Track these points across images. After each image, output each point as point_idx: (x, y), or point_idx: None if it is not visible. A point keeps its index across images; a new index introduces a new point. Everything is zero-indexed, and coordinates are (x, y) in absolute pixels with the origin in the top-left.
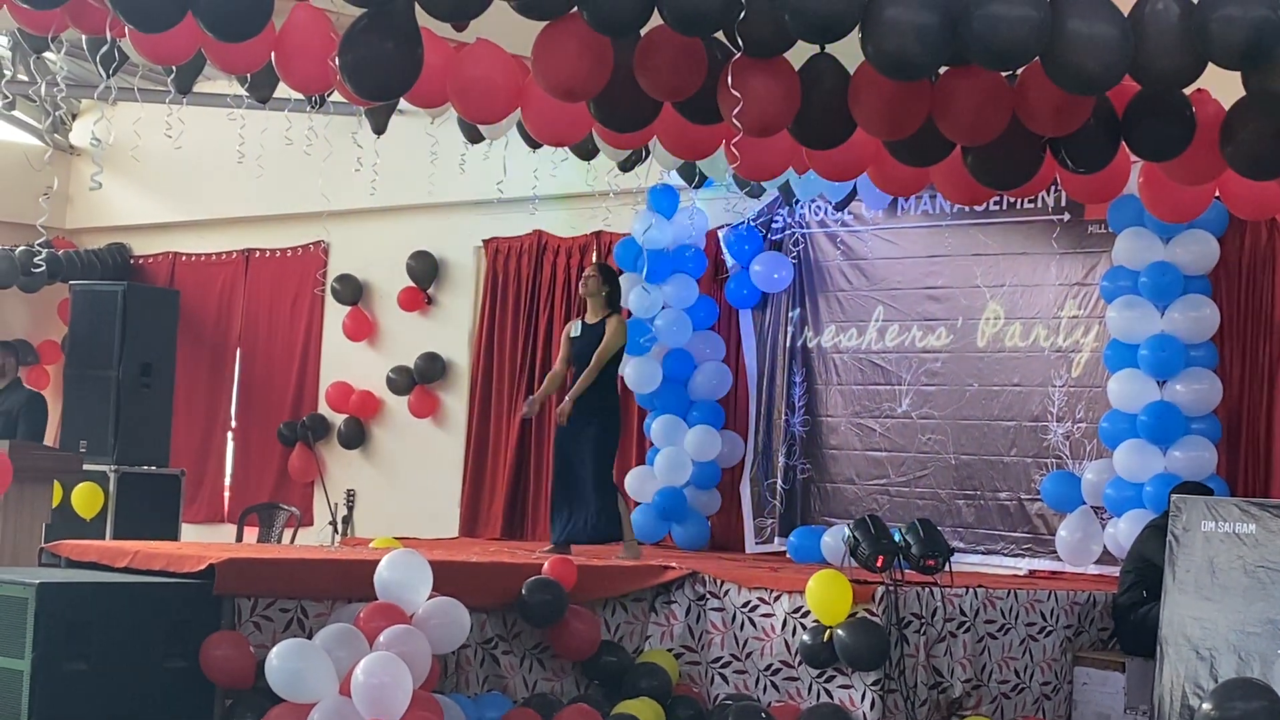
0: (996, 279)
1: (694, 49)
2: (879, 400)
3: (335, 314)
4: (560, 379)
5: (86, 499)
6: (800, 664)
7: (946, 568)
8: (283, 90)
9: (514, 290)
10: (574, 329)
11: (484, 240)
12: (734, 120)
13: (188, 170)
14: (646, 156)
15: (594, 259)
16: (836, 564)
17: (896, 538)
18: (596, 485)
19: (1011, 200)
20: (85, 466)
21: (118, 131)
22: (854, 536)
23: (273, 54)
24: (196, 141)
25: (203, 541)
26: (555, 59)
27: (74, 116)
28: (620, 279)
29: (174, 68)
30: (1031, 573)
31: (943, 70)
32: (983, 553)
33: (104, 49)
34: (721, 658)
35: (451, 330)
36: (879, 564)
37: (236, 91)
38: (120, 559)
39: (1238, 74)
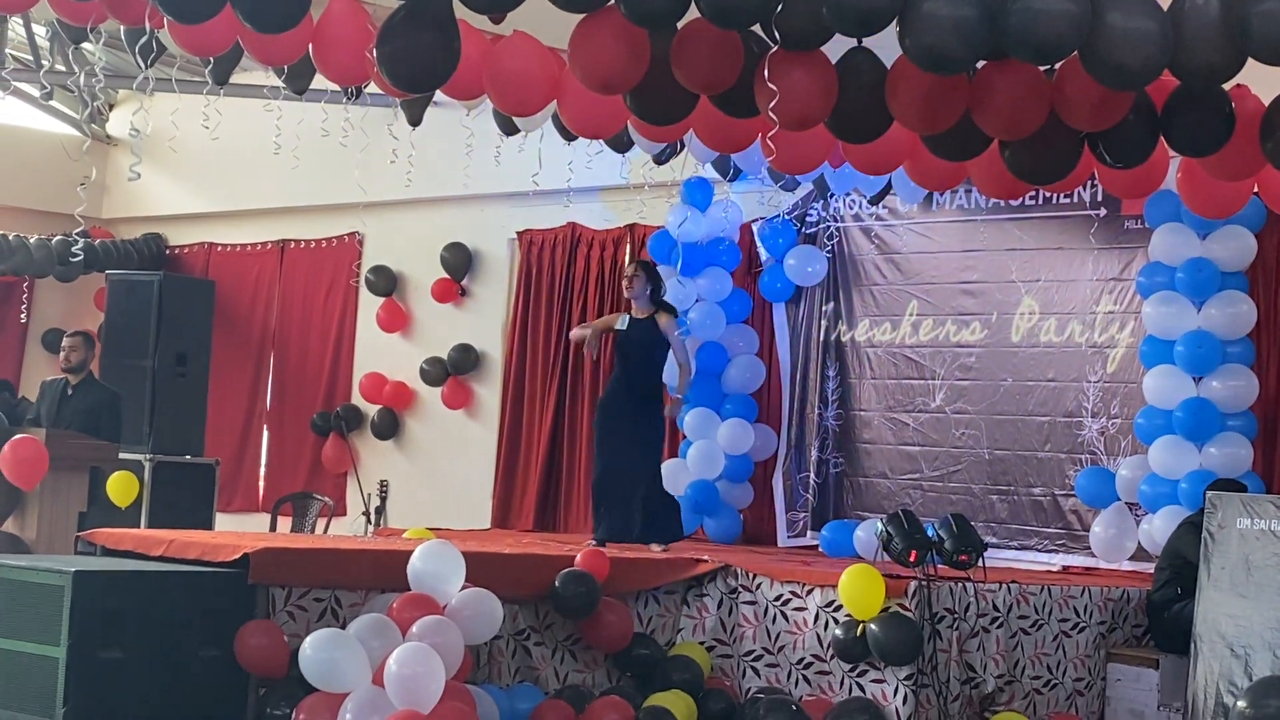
0: (1032, 274)
1: (731, 42)
2: (913, 395)
3: (369, 305)
4: (601, 330)
5: (122, 488)
6: (832, 658)
7: (980, 563)
8: (319, 82)
9: (547, 282)
10: (621, 321)
11: (518, 232)
12: (770, 114)
13: (224, 161)
14: (681, 149)
15: (627, 252)
16: (869, 558)
17: (930, 532)
18: (656, 481)
19: (1048, 195)
20: (121, 455)
21: (155, 122)
22: (887, 531)
23: (310, 46)
24: (233, 132)
25: (237, 531)
26: (592, 52)
27: (111, 107)
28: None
29: (211, 59)
30: (1065, 568)
31: (981, 64)
32: (1016, 548)
33: (142, 40)
34: (753, 651)
35: (485, 322)
36: (912, 559)
37: (273, 83)
38: (155, 547)
39: (1278, 70)
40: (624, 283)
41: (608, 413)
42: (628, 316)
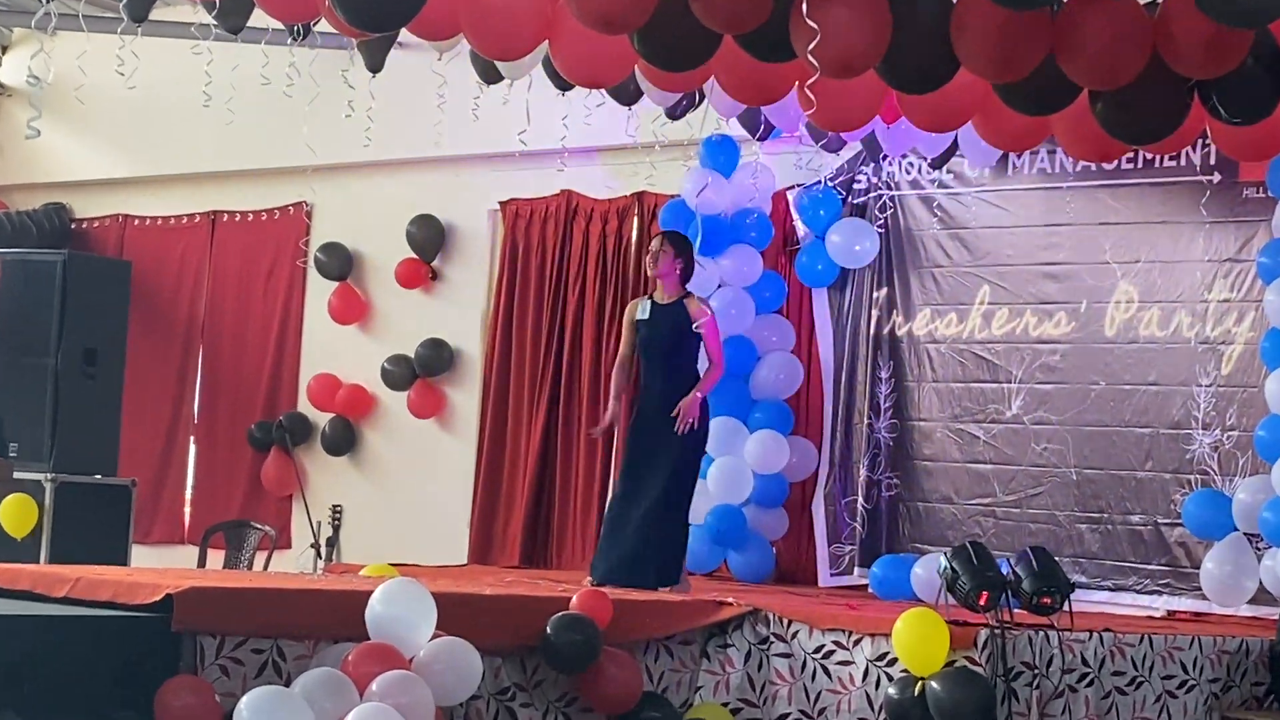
0: (1129, 253)
1: None
2: (983, 401)
3: (319, 291)
4: (628, 368)
5: (17, 514)
6: None
7: (1065, 607)
8: (258, 18)
9: (537, 263)
10: (640, 309)
11: (500, 202)
12: (809, 57)
13: (142, 116)
14: (700, 101)
15: (634, 226)
16: (930, 601)
17: (1004, 570)
18: (671, 511)
19: (1149, 157)
20: (16, 475)
21: (58, 68)
22: (952, 568)
23: None
24: (153, 81)
25: (158, 567)
26: None
27: (4, 50)
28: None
29: None
30: (1170, 614)
31: None
32: (1110, 589)
33: None
34: (788, 714)
35: (461, 312)
36: (983, 601)
37: (203, 20)
38: (58, 587)
39: None
40: (647, 259)
41: (637, 430)
42: (648, 302)
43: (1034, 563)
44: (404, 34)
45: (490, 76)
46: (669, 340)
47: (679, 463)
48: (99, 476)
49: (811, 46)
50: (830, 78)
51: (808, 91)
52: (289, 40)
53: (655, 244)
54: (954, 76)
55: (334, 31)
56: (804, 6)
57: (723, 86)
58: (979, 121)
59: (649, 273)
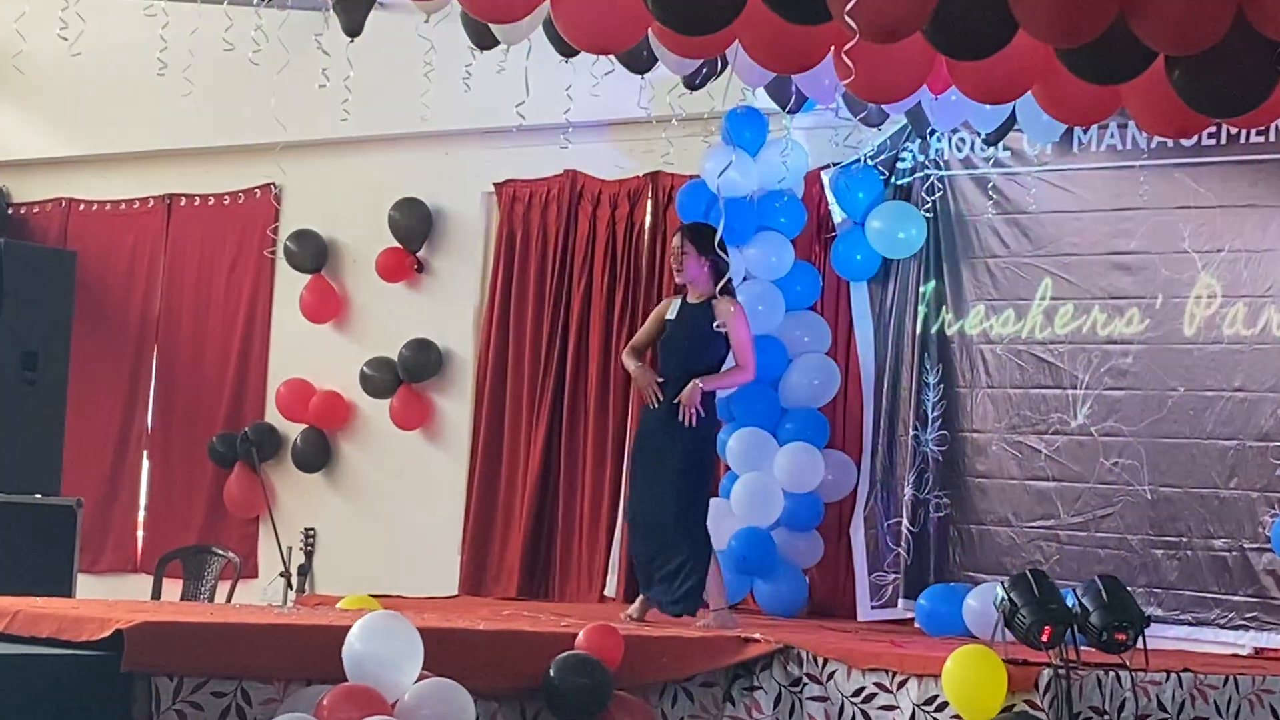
0: (1211, 242)
1: None
2: (1045, 409)
3: (290, 285)
4: (640, 356)
5: None
6: None
7: (1139, 644)
8: None
9: (537, 252)
10: (671, 308)
11: (496, 184)
12: (847, 19)
13: (88, 86)
14: (723, 70)
15: (648, 209)
16: (986, 638)
17: (1070, 602)
18: (681, 527)
19: (1234, 132)
20: None
21: None
22: (1010, 600)
23: None
24: (100, 47)
25: (107, 598)
26: None
27: None
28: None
29: None
30: (1258, 651)
31: None
32: (1190, 623)
33: None
34: None
35: (450, 308)
36: (1045, 637)
37: None
38: None
39: None
40: (670, 261)
41: (642, 434)
42: (679, 302)
43: (1103, 594)
44: None
45: (484, 42)
46: (686, 345)
47: (687, 471)
48: (39, 496)
49: (850, 7)
50: (871, 42)
51: (845, 58)
52: (255, 1)
53: (675, 242)
54: (1011, 40)
55: None
56: None
57: (748, 52)
58: (1040, 91)
59: (675, 279)
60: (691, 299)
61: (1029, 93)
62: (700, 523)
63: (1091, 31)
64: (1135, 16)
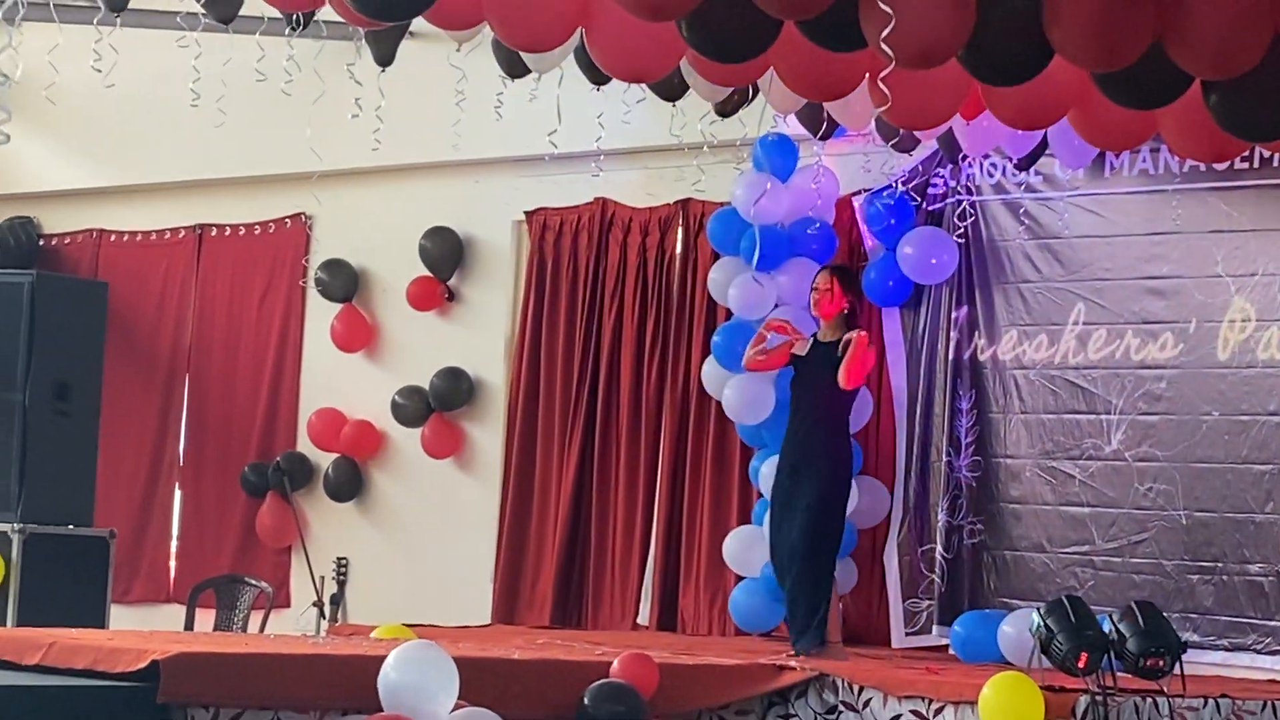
0: (1245, 265)
1: None
2: (1079, 435)
3: (321, 314)
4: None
5: None
6: None
7: (1176, 669)
8: (252, 6)
9: (568, 280)
10: (803, 345)
11: (526, 212)
12: (883, 46)
13: (119, 117)
14: (754, 96)
15: (678, 237)
16: (1021, 664)
17: (1106, 627)
18: (806, 560)
19: (1266, 155)
20: None
21: (26, 63)
22: (1046, 626)
23: None
24: (132, 78)
25: (141, 629)
26: None
27: None
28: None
29: None
30: None
31: None
32: (1227, 648)
33: None
34: None
35: (481, 337)
36: (1082, 664)
37: (190, 8)
38: (30, 653)
39: None
40: (812, 298)
41: (777, 481)
42: (813, 340)
43: (1140, 619)
44: (418, 22)
45: (515, 70)
46: (821, 383)
47: (819, 509)
48: (73, 527)
49: (885, 34)
50: (907, 69)
51: (881, 85)
52: (287, 30)
53: (821, 279)
54: (1047, 66)
55: (338, 20)
56: None
57: (783, 80)
58: (1075, 117)
59: (813, 312)
60: (824, 337)
61: (1065, 118)
62: (830, 563)
63: (1128, 57)
64: (1172, 41)
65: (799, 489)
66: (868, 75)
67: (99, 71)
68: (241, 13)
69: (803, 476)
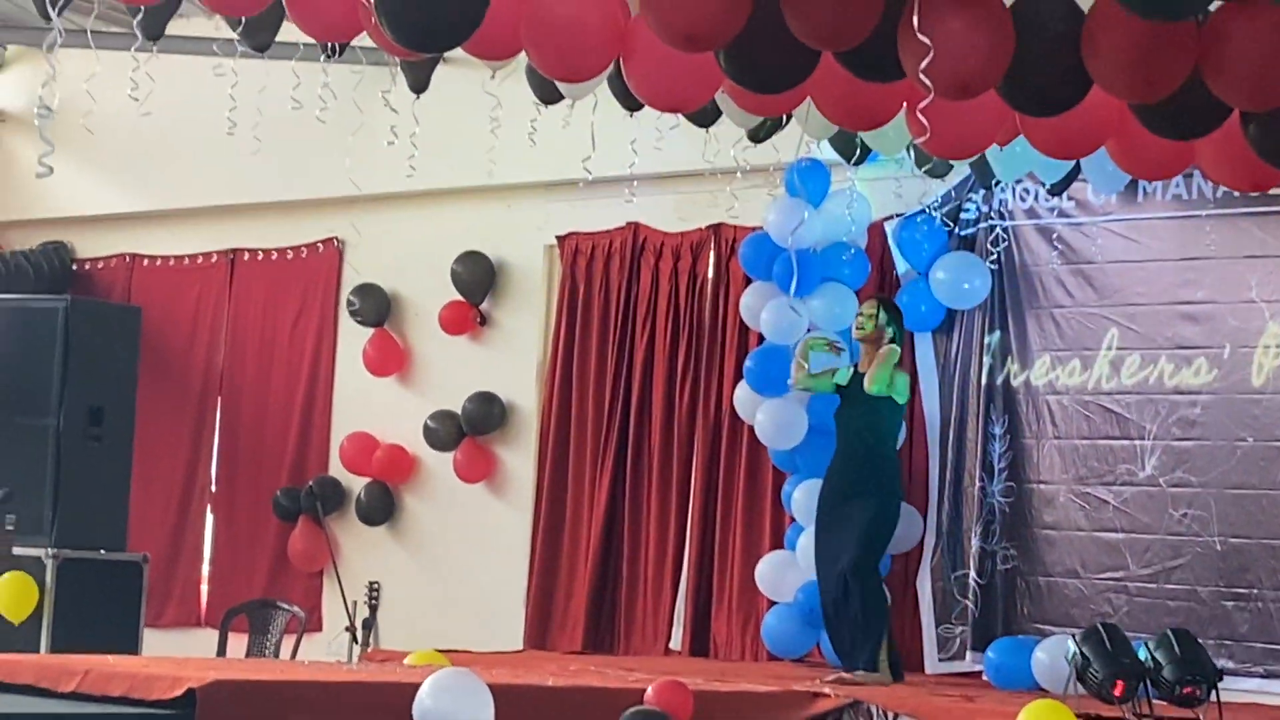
0: (1279, 291)
1: None
2: (1113, 460)
3: (353, 339)
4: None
5: (15, 595)
6: None
7: (1212, 697)
8: (286, 32)
9: (600, 305)
10: (842, 373)
11: (558, 237)
12: (921, 77)
13: (152, 143)
14: (787, 122)
15: (710, 261)
16: (1056, 691)
17: (1141, 655)
18: (863, 588)
19: None
20: (14, 550)
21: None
22: (1082, 653)
23: None
24: (164, 105)
25: (173, 654)
26: None
27: None
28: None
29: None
30: None
31: (1215, 4)
32: (1262, 675)
33: None
34: None
35: (513, 361)
36: (1118, 692)
37: (225, 35)
38: (66, 680)
39: None
40: (855, 327)
41: (821, 504)
42: (852, 369)
43: (1175, 647)
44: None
45: (549, 96)
46: (861, 415)
47: (872, 535)
48: (106, 552)
49: (924, 65)
50: (946, 99)
51: (921, 116)
52: (322, 58)
53: (868, 308)
54: (1085, 96)
55: (372, 46)
56: (915, 19)
57: (820, 109)
58: (1113, 146)
59: (856, 336)
60: (865, 366)
61: (1103, 147)
62: (879, 587)
63: (1167, 87)
64: (1210, 72)
65: (849, 515)
66: (907, 105)
67: (135, 100)
68: (276, 39)
69: (853, 503)
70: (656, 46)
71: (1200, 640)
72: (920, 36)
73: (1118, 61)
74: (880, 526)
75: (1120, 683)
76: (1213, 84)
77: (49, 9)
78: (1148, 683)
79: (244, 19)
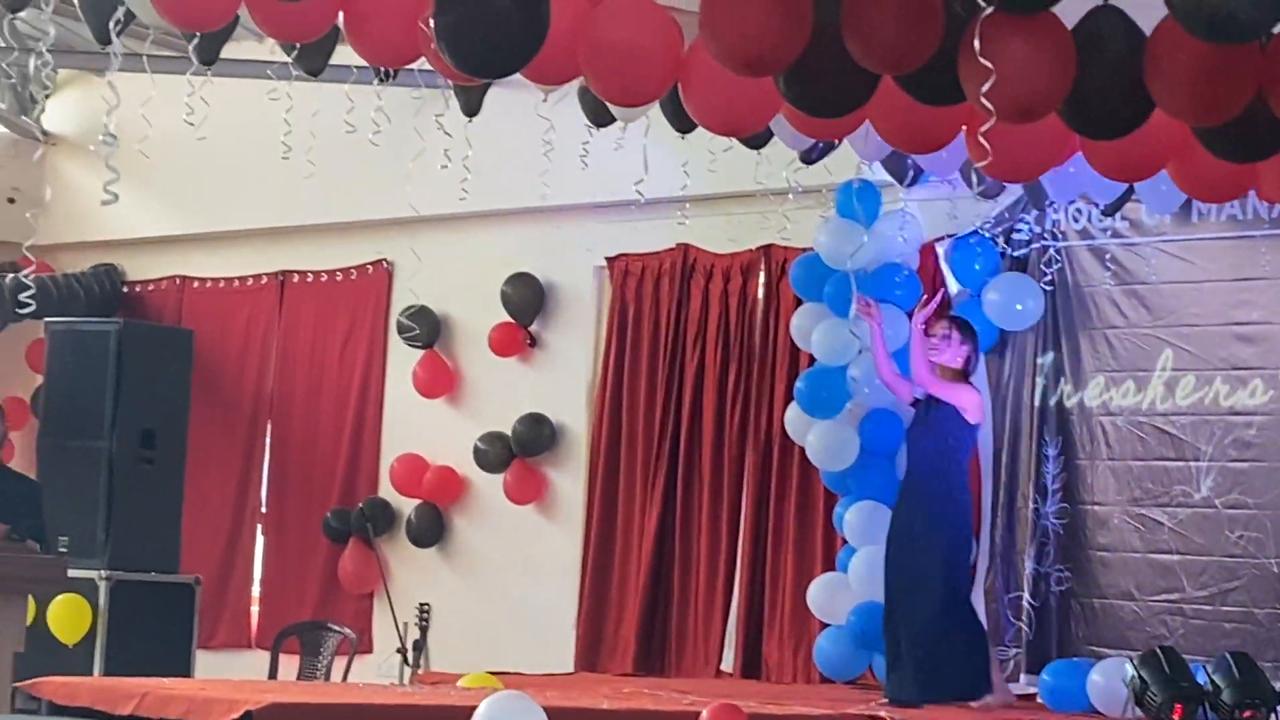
0: None
1: (926, 1)
2: (1168, 482)
3: (403, 361)
4: None
5: (69, 617)
6: None
7: None
8: (341, 55)
9: (650, 326)
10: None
11: (608, 258)
12: (982, 100)
13: (202, 165)
14: (839, 143)
15: (760, 282)
16: (1111, 713)
17: (1200, 678)
18: (958, 615)
19: None
20: (68, 573)
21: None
22: (1139, 676)
23: (341, 14)
24: (216, 128)
25: (226, 676)
26: (733, 17)
27: (47, 94)
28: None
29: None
30: None
31: None
32: None
33: (116, 9)
34: None
35: (563, 383)
36: (1177, 715)
37: (279, 58)
38: (123, 703)
39: None
40: (929, 342)
41: (892, 530)
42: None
43: (1234, 670)
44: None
45: (601, 119)
46: (934, 434)
47: (951, 561)
48: (158, 574)
49: (986, 88)
50: (1007, 122)
51: (982, 139)
52: (375, 81)
53: (942, 328)
54: (1147, 119)
55: (426, 69)
56: (976, 43)
57: (879, 132)
58: (1175, 169)
59: (931, 356)
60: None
61: (1165, 170)
62: (969, 605)
63: (1231, 110)
64: (1275, 94)
65: (924, 536)
66: (966, 129)
67: (191, 124)
68: (330, 63)
69: (930, 524)
70: (715, 71)
71: (1259, 663)
72: (982, 60)
73: (1180, 84)
74: (961, 548)
75: (1179, 706)
76: (1277, 107)
77: (109, 32)
78: (1206, 706)
79: (299, 47)
